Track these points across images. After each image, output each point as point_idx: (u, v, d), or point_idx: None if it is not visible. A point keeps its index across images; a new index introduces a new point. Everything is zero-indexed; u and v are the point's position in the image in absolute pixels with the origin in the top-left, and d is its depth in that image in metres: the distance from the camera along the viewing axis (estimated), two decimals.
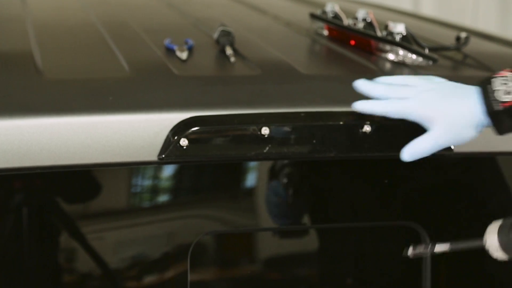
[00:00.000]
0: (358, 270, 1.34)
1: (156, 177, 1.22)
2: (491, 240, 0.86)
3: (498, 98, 0.89)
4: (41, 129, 1.13)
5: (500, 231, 0.85)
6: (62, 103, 1.19)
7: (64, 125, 1.14)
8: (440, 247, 0.94)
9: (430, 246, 0.95)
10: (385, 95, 1.02)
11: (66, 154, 1.14)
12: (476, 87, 0.97)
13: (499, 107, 0.89)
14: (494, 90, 0.90)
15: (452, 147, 1.11)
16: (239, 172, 1.25)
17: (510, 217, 0.85)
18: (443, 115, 0.97)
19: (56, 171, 1.16)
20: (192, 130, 1.15)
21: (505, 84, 0.90)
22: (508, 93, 0.89)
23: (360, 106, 1.08)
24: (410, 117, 1.01)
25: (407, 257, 1.31)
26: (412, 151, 1.02)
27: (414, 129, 1.14)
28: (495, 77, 0.95)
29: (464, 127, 0.96)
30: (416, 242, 1.29)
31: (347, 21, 1.65)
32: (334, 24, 1.67)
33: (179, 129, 1.16)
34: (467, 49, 1.61)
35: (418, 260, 1.29)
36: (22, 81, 1.27)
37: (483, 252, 1.35)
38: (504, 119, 0.89)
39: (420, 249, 0.96)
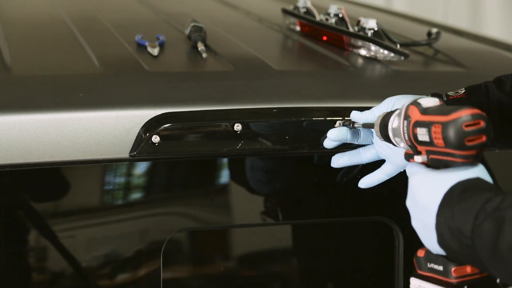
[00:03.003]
0: (332, 265, 1.34)
1: (128, 174, 1.21)
2: (376, 124, 1.08)
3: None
4: (10, 126, 1.12)
5: (381, 120, 1.06)
6: (31, 100, 1.17)
7: (34, 122, 1.13)
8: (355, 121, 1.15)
9: (351, 121, 1.16)
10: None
11: (36, 151, 1.13)
12: None
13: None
14: None
15: None
16: (212, 168, 1.25)
17: (392, 111, 1.05)
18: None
19: (26, 168, 1.14)
20: (164, 127, 1.15)
21: None
22: None
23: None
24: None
25: (380, 252, 1.32)
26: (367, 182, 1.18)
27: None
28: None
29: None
30: (388, 236, 1.30)
31: (319, 17, 1.66)
32: (306, 20, 1.67)
33: (151, 125, 1.15)
34: (438, 44, 1.62)
35: (391, 254, 1.30)
36: None
37: None
38: None
39: (346, 122, 1.16)
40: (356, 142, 1.16)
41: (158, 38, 1.48)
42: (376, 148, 1.16)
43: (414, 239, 0.99)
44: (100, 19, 1.72)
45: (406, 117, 0.99)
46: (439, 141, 0.93)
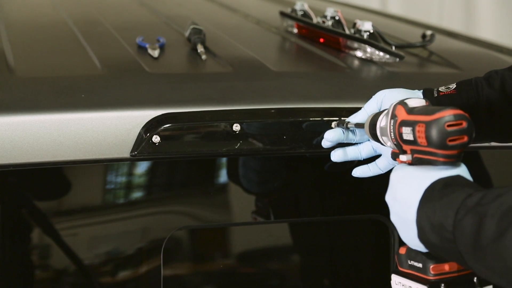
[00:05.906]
0: (328, 263, 1.36)
1: (129, 173, 1.22)
2: (365, 123, 1.10)
3: None
4: (13, 126, 1.13)
5: (371, 120, 1.09)
6: (34, 100, 1.19)
7: (36, 123, 1.14)
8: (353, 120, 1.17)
9: (345, 121, 1.17)
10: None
11: (38, 151, 1.14)
12: None
13: None
14: None
15: None
16: (211, 168, 1.26)
17: (381, 111, 1.07)
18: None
19: (28, 168, 1.16)
20: (164, 127, 1.16)
21: None
22: None
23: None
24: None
25: (376, 249, 1.34)
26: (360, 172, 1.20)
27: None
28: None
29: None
30: (384, 234, 1.32)
31: (316, 19, 1.67)
32: (304, 22, 1.69)
33: (151, 126, 1.16)
34: (433, 46, 1.64)
35: (386, 251, 1.32)
36: None
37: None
38: None
39: (340, 123, 1.17)
40: (353, 142, 1.18)
41: (158, 40, 1.50)
42: (372, 144, 1.18)
43: None
44: (102, 21, 1.73)
45: (393, 116, 1.00)
46: (422, 140, 0.94)
